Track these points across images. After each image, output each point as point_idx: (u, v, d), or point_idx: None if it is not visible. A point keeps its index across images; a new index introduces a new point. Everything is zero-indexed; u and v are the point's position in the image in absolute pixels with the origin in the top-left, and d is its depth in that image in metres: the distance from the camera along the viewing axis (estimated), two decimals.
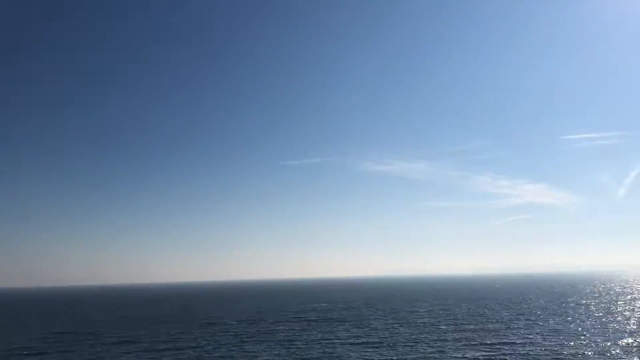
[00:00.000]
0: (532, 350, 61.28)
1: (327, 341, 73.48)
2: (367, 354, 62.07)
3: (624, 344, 63.98)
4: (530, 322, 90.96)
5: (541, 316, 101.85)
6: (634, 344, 63.38)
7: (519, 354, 59.01)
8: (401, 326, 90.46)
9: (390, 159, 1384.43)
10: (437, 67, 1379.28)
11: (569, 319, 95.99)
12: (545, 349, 61.56)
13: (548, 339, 70.29)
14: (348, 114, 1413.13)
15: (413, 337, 75.68)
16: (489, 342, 68.65)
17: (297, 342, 73.07)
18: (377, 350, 64.54)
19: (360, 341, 72.61)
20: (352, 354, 62.22)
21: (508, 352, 60.48)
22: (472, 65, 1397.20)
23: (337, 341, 73.18)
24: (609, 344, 64.29)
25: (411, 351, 62.78)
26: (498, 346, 64.97)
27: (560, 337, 71.10)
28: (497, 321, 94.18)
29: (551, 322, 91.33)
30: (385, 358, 58.73)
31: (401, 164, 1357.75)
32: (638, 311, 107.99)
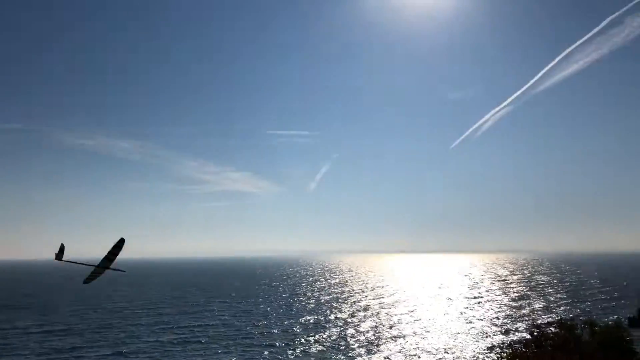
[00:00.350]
0: (225, 331, 63.71)
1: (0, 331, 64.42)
2: (51, 342, 56.32)
3: (303, 321, 71.28)
4: (225, 304, 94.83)
5: (235, 298, 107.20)
6: (312, 321, 71.16)
7: (211, 335, 60.70)
8: (94, 312, 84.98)
9: (94, 133, 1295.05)
10: (160, 55, 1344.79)
11: (260, 300, 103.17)
12: (236, 329, 64.63)
13: (240, 319, 74.10)
14: (54, 80, 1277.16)
15: (105, 322, 71.63)
16: (184, 324, 69.05)
17: None
18: (62, 337, 59.06)
19: (43, 329, 65.52)
20: (32, 343, 55.67)
21: (201, 333, 61.67)
22: (191, 58, 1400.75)
23: (15, 331, 64.74)
24: (292, 321, 70.86)
25: (100, 337, 59.16)
26: (192, 328, 65.81)
27: (251, 318, 75.68)
28: (194, 304, 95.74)
29: (244, 303, 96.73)
30: (70, 346, 54.05)
31: (105, 140, 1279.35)
32: (317, 291, 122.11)
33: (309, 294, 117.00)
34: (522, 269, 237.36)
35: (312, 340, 56.34)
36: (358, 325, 67.31)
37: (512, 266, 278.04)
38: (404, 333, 60.84)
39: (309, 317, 74.92)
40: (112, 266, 21.94)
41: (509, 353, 37.74)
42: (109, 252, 21.46)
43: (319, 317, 75.62)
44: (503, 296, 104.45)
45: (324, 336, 58.96)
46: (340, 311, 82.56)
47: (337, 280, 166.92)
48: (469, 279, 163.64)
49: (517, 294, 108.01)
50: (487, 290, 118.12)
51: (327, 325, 67.04)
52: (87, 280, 23.11)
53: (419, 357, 49.27)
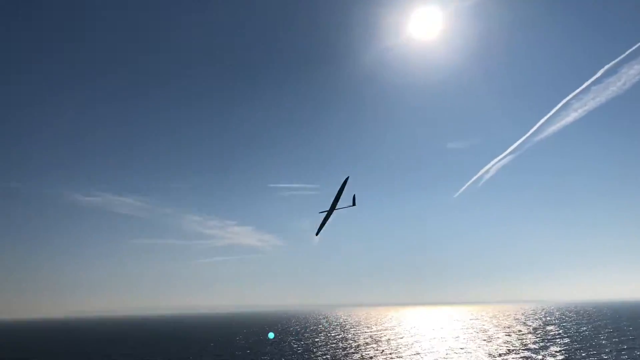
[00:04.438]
0: None
1: None
2: None
3: None
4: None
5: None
6: None
7: None
8: None
9: (98, 190, 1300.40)
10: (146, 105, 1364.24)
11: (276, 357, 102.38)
12: None
13: None
14: (55, 138, 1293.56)
15: None
16: None
17: None
18: None
19: None
20: None
21: None
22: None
23: None
24: None
25: None
26: None
27: None
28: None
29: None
30: None
31: (108, 196, 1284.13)
32: (338, 348, 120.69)
33: (327, 349, 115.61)
34: (533, 319, 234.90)
35: None
36: None
37: (522, 317, 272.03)
38: None
39: None
40: (338, 206, 24.38)
41: None
42: (338, 193, 24.78)
43: None
44: (521, 347, 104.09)
45: None
46: None
47: (368, 335, 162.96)
48: (482, 331, 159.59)
49: (535, 346, 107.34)
50: (504, 342, 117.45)
51: None
52: (318, 232, 27.02)
53: None
